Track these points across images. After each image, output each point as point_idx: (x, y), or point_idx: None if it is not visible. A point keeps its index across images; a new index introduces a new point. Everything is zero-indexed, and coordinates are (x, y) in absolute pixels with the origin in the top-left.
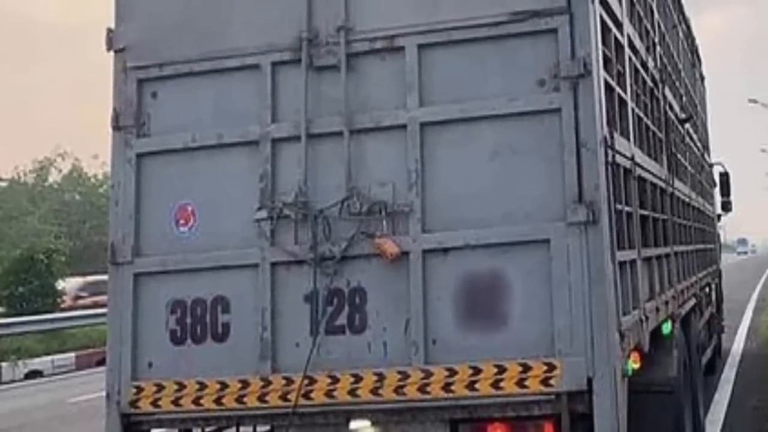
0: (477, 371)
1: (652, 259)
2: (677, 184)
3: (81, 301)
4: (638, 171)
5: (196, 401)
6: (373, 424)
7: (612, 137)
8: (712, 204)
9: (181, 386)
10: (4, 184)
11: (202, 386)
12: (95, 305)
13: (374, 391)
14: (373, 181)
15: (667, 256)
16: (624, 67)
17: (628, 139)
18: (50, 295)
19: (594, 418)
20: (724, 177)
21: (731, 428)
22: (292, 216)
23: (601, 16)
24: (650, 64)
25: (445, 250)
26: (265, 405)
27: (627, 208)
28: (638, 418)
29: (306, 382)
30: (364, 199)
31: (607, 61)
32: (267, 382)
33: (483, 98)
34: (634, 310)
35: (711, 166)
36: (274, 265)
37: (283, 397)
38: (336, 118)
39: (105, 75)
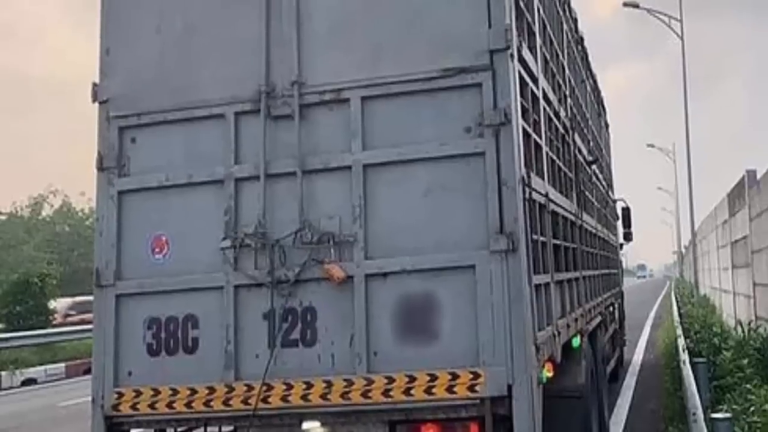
0: (412, 379)
1: (564, 282)
2: (585, 217)
3: (70, 319)
4: (552, 206)
5: (169, 405)
6: (323, 425)
7: (529, 177)
8: (616, 234)
9: (157, 392)
10: (3, 217)
11: (175, 392)
12: (82, 322)
13: (323, 396)
14: (322, 215)
15: (577, 279)
16: (539, 116)
17: (543, 179)
18: (43, 314)
19: (513, 419)
20: (626, 211)
21: (632, 429)
22: (253, 245)
23: (519, 72)
24: (562, 113)
25: (385, 275)
26: (229, 408)
27: (542, 238)
28: (552, 419)
29: (264, 388)
30: (315, 230)
31: (524, 110)
32: (231, 389)
33: (417, 143)
34: (548, 326)
35: (615, 201)
36: (236, 287)
37: (245, 402)
38: (290, 160)
39: (91, 123)
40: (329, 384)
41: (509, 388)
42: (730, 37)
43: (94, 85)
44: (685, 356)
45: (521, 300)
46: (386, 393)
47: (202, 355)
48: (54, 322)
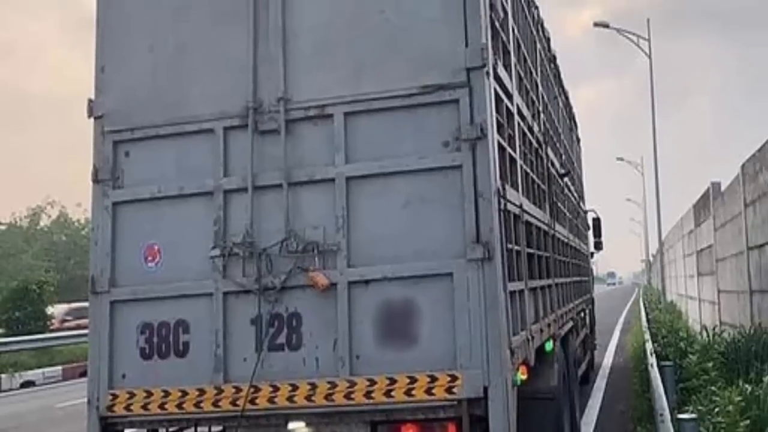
0: (393, 382)
1: (537, 289)
2: (557, 227)
3: (67, 324)
4: (525, 216)
5: (161, 406)
6: (308, 425)
7: (504, 189)
8: (587, 243)
9: (149, 394)
10: (3, 227)
11: (167, 394)
12: (78, 327)
13: (308, 398)
14: (307, 225)
15: (550, 286)
16: (514, 131)
17: (517, 190)
18: (41, 319)
19: (489, 420)
20: (596, 221)
21: (602, 429)
22: (241, 254)
23: (495, 89)
24: (535, 128)
25: (367, 282)
26: (218, 409)
27: (516, 247)
28: (526, 420)
29: (252, 390)
30: (300, 239)
31: (500, 126)
32: (220, 391)
33: (398, 156)
34: (522, 331)
35: (586, 212)
36: (225, 294)
37: (233, 403)
38: (277, 173)
39: (87, 138)
40: (314, 386)
41: (485, 390)
42: (697, 56)
43: (90, 101)
44: (652, 360)
45: (497, 306)
46: (368, 395)
47: (192, 359)
48: (51, 327)
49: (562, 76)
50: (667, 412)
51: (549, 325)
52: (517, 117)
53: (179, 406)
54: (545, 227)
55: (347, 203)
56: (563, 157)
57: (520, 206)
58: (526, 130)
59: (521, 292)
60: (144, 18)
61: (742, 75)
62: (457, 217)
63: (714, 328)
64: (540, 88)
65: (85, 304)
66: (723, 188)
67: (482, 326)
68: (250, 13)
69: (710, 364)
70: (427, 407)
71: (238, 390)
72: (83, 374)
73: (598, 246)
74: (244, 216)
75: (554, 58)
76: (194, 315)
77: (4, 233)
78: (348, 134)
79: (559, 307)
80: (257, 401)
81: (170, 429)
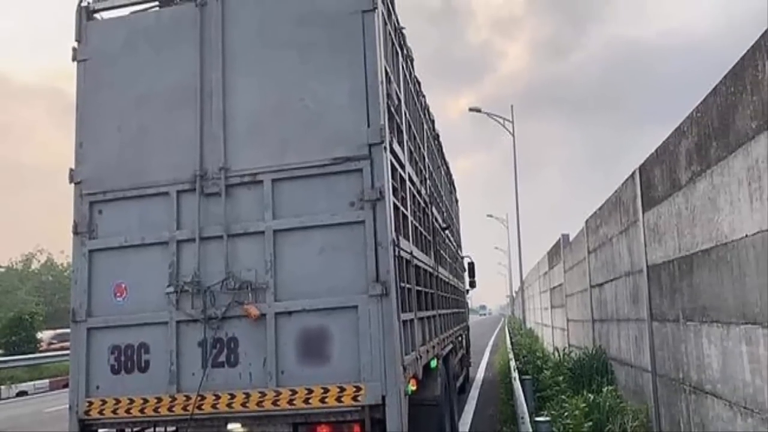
0: (310, 392)
1: (424, 318)
2: (440, 269)
3: (52, 346)
4: (415, 261)
5: (127, 411)
6: (243, 426)
7: (398, 239)
8: (463, 282)
9: (118, 401)
10: (2, 269)
11: (132, 401)
12: (62, 348)
13: (243, 404)
14: (242, 268)
15: (434, 316)
16: (406, 194)
17: (409, 240)
18: (33, 342)
19: (386, 422)
20: (471, 265)
21: (476, 429)
22: (190, 290)
23: (391, 161)
24: (423, 191)
25: (290, 313)
26: (172, 414)
27: (408, 285)
28: (415, 422)
29: (199, 398)
30: (237, 279)
31: (395, 189)
32: (174, 399)
33: (314, 213)
34: (412, 351)
35: (462, 257)
36: (178, 322)
37: (184, 408)
38: (218, 227)
39: (68, 199)
40: (248, 395)
41: (383, 398)
42: (550, 134)
43: (71, 170)
44: (515, 374)
45: (392, 332)
46: (291, 402)
47: (152, 374)
48: (40, 349)
49: (444, 150)
50: (527, 416)
51: (434, 347)
52: (408, 183)
53: (141, 410)
54: (431, 269)
55: (274, 251)
56: (445, 214)
57: (411, 253)
58: (415, 193)
59: (412, 320)
60: (113, 105)
61: (585, 150)
62: (361, 261)
63: (564, 350)
64: (426, 159)
65: (67, 330)
66: (571, 239)
67: (381, 348)
68: (197, 101)
69: (561, 378)
70: (338, 412)
71: (188, 398)
72: (66, 386)
73: (473, 284)
74: (192, 261)
75: (438, 135)
76: (153, 339)
77: (2, 275)
78: (275, 196)
79: (442, 332)
80: (203, 407)
81: (134, 429)
